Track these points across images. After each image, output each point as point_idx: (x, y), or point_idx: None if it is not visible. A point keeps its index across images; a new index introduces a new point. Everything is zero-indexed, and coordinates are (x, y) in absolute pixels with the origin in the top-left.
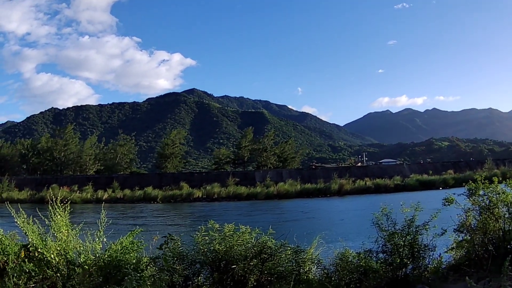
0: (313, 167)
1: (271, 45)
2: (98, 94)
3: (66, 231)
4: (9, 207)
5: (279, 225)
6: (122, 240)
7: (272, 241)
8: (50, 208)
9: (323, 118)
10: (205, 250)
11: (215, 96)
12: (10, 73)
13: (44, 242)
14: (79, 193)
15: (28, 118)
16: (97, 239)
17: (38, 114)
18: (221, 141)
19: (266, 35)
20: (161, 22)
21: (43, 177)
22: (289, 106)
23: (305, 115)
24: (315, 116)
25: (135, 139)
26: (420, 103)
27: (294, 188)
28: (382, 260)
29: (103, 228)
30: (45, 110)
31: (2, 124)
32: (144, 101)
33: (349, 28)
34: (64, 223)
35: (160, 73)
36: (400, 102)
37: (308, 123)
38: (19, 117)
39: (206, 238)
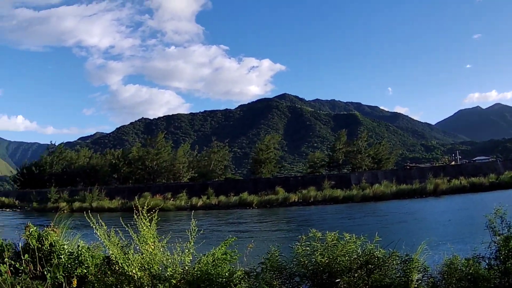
0: (408, 167)
1: (360, 46)
2: (189, 103)
3: (152, 243)
4: (89, 217)
5: (384, 229)
6: (214, 251)
7: (380, 250)
8: (135, 218)
9: (415, 118)
10: (306, 262)
11: (306, 100)
12: (97, 86)
13: (126, 255)
14: (173, 200)
15: (118, 129)
16: (186, 250)
17: (128, 124)
18: (315, 144)
19: (354, 36)
20: (247, 29)
21: (135, 186)
22: (381, 107)
23: (396, 115)
24: (407, 116)
25: (228, 145)
26: (510, 97)
27: (389, 189)
28: (494, 268)
29: (193, 238)
30: (135, 121)
31: (91, 135)
32: (236, 108)
33: (432, 24)
34: (150, 234)
35: (250, 80)
36: (490, 97)
37: (400, 123)
38: (108, 128)
39: (308, 248)
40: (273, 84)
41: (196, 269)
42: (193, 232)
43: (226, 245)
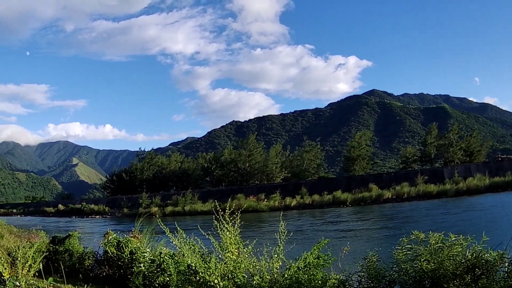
0: (499, 159)
1: (445, 37)
2: (279, 104)
3: (236, 250)
4: (160, 224)
5: (489, 225)
6: (305, 256)
7: (491, 252)
8: (216, 223)
9: (504, 108)
10: (408, 268)
11: (395, 95)
12: (185, 91)
13: (207, 264)
14: (266, 201)
15: (209, 132)
16: (275, 256)
17: (219, 128)
18: (406, 139)
19: (439, 27)
20: (331, 27)
21: (228, 188)
22: (469, 98)
23: (485, 106)
24: (496, 106)
25: (320, 144)
26: None
27: (483, 183)
28: None
29: (283, 241)
30: (226, 124)
31: (182, 140)
32: (326, 107)
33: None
34: (232, 241)
35: (338, 77)
36: None
37: (489, 113)
38: (199, 133)
39: (409, 252)
40: (361, 81)
41: (285, 276)
42: (282, 235)
43: (319, 248)
